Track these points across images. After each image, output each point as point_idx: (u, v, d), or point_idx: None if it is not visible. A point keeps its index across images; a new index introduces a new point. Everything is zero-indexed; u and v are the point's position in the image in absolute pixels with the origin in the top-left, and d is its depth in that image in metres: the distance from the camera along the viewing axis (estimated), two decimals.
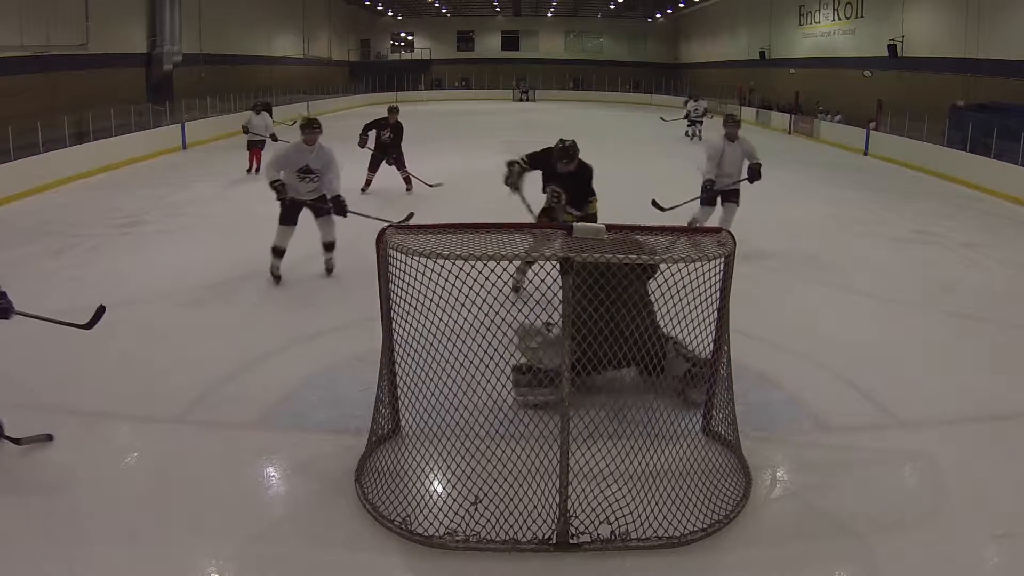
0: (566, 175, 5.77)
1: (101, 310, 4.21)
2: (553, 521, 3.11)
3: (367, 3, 40.24)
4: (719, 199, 7.66)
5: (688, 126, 20.27)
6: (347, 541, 3.16)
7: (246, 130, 12.95)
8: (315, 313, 5.91)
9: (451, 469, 3.48)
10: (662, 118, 21.72)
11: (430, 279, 3.17)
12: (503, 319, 3.35)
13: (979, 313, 6.14)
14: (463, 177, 12.37)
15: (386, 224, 4.53)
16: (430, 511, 3.23)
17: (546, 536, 3.10)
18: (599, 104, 36.46)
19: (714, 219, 7.48)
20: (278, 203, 6.37)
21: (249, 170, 13.14)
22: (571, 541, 3.08)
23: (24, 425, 4.12)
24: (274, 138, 12.78)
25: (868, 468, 3.78)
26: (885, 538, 3.17)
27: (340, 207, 6.31)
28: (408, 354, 3.58)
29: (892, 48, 21.49)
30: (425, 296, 3.26)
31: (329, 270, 6.80)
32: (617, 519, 3.16)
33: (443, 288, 3.20)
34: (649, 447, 3.42)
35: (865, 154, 18.40)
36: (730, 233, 3.53)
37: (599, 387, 4.18)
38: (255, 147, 12.98)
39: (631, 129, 23.99)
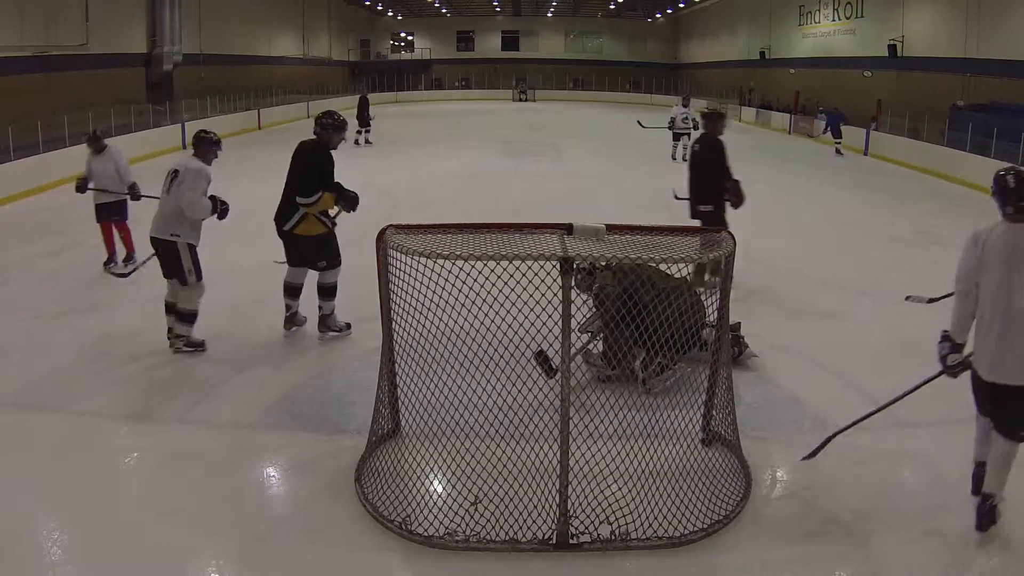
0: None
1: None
2: (553, 521, 3.12)
3: (367, 3, 40.24)
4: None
5: (674, 140, 15.43)
6: (347, 541, 3.16)
7: (84, 186, 7.01)
8: (315, 313, 5.90)
9: (451, 469, 3.48)
10: (639, 122, 17.48)
11: (430, 279, 3.17)
12: (503, 319, 3.36)
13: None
14: (463, 177, 12.39)
15: None
16: (430, 511, 3.23)
17: (546, 536, 3.10)
18: (599, 104, 36.43)
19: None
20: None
21: (109, 260, 7.16)
22: (571, 541, 3.08)
23: (23, 425, 4.13)
24: (135, 193, 6.98)
25: (868, 468, 3.78)
26: (885, 538, 3.17)
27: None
28: (408, 354, 3.58)
29: (892, 48, 21.49)
30: (425, 296, 3.26)
31: None
32: (617, 519, 3.16)
33: (443, 288, 3.20)
34: (649, 447, 3.42)
35: (865, 154, 18.40)
36: (729, 232, 3.53)
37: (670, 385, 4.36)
38: (111, 216, 7.13)
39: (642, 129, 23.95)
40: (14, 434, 4.03)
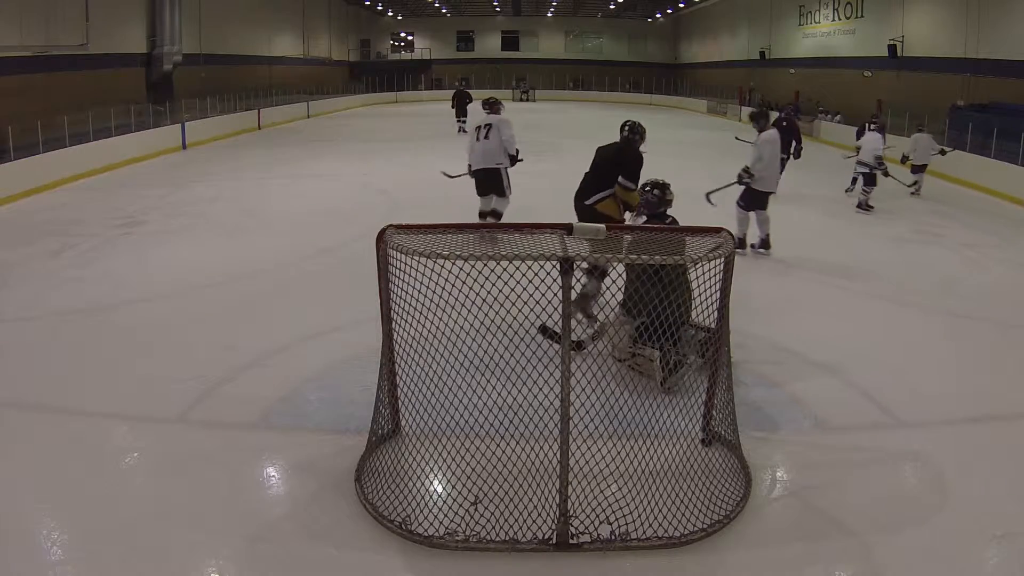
0: None
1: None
2: (553, 521, 3.12)
3: (367, 3, 40.23)
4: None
5: (913, 177, 12.07)
6: (347, 541, 3.16)
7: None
8: (315, 313, 5.91)
9: (451, 469, 3.48)
10: (854, 196, 11.05)
11: (430, 279, 3.17)
12: (503, 319, 3.36)
13: (979, 313, 6.14)
14: (464, 176, 12.31)
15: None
16: (430, 511, 3.23)
17: (546, 536, 3.10)
18: (599, 104, 36.41)
19: None
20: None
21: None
22: (571, 541, 3.08)
23: (23, 425, 4.13)
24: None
25: (868, 468, 3.78)
26: (885, 538, 3.17)
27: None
28: (408, 354, 3.58)
29: (892, 48, 21.49)
30: (425, 296, 3.26)
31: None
32: (617, 519, 3.16)
33: (443, 288, 3.20)
34: (649, 447, 3.42)
35: None
36: (730, 233, 3.54)
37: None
38: None
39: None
40: (14, 434, 4.03)
